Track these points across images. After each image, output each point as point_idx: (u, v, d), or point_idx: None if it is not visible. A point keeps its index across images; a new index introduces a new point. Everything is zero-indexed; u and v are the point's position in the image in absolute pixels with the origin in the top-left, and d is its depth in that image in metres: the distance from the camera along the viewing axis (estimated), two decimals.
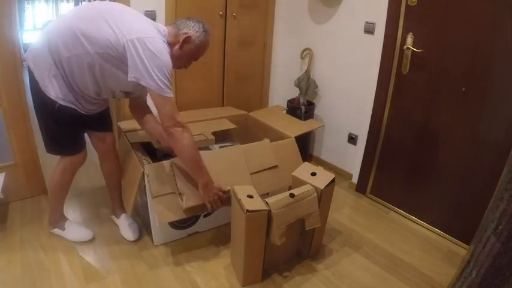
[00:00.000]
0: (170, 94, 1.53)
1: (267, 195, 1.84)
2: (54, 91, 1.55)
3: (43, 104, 1.59)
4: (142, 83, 1.48)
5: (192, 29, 1.62)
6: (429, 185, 2.20)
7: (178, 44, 1.61)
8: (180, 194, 1.71)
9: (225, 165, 1.91)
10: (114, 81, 1.59)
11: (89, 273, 1.73)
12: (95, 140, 1.87)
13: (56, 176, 1.81)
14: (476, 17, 1.81)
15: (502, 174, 1.04)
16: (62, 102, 1.57)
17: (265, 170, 2.00)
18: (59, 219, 1.94)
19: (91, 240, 1.94)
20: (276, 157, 2.07)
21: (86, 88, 1.59)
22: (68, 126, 1.67)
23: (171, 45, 1.60)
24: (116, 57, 1.50)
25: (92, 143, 1.88)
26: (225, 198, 1.76)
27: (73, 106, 1.60)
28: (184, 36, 1.60)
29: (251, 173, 1.94)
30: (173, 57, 1.58)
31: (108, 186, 2.02)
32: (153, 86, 1.49)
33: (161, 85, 1.49)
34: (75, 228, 1.95)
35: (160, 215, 1.66)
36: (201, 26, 1.64)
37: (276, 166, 2.04)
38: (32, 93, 1.61)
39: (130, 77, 1.49)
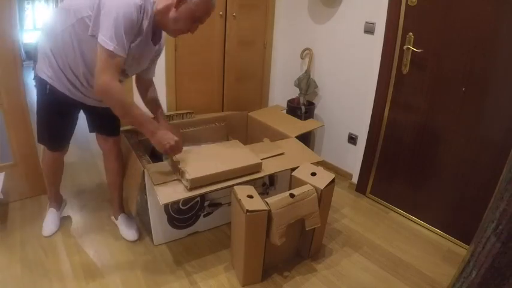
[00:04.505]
0: (110, 46, 1.37)
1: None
2: (46, 71, 1.60)
3: (39, 87, 1.64)
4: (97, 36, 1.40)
5: None
6: (429, 184, 2.20)
7: (173, 5, 1.48)
8: (182, 172, 1.69)
9: (233, 149, 1.94)
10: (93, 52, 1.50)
11: (89, 273, 1.73)
12: (99, 138, 1.90)
13: (44, 165, 1.93)
14: (476, 17, 1.81)
15: (502, 174, 1.04)
16: (52, 82, 1.60)
17: (272, 156, 1.99)
18: (57, 200, 2.05)
19: (91, 240, 1.94)
20: (281, 149, 2.07)
21: (76, 67, 1.57)
22: (57, 116, 1.70)
23: (166, 8, 1.50)
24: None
25: (97, 140, 1.91)
26: (176, 146, 1.67)
27: (64, 91, 1.62)
28: None
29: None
30: (171, 21, 1.51)
31: (108, 185, 2.04)
32: (99, 35, 1.39)
33: (104, 33, 1.37)
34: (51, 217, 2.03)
35: (163, 197, 1.59)
36: None
37: (283, 153, 2.03)
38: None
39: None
